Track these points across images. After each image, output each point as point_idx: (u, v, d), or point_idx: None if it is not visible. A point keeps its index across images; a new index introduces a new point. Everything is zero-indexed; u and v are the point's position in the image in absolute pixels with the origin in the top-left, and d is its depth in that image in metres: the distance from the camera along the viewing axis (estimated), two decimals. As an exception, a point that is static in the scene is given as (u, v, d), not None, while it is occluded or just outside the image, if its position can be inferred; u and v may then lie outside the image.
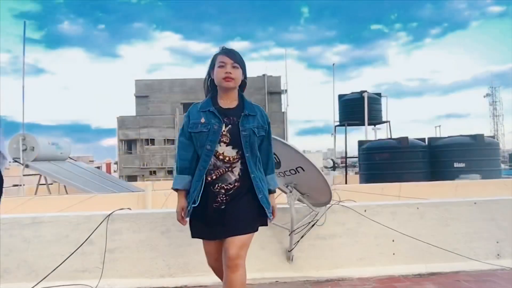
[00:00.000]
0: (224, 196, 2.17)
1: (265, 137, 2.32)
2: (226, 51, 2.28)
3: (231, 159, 2.18)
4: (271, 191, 2.33)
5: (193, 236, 2.28)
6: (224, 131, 2.18)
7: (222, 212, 2.16)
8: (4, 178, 1.99)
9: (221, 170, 2.17)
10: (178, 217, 2.27)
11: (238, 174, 2.19)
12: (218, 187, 2.17)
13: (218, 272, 2.37)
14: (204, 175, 2.17)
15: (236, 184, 2.18)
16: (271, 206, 2.27)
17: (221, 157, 2.17)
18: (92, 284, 3.14)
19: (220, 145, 2.17)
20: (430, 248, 3.44)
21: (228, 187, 2.17)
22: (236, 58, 2.25)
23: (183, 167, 2.25)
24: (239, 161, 2.19)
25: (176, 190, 2.27)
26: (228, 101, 2.27)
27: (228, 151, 2.18)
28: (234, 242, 2.13)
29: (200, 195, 2.16)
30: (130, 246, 3.29)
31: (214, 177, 2.18)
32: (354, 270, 3.37)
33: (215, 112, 2.21)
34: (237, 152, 2.18)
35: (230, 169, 2.18)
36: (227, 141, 2.18)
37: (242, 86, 2.34)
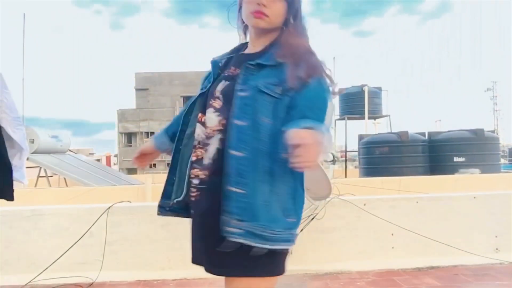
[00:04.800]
0: (194, 190, 1.35)
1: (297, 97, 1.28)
2: None
3: (210, 130, 1.34)
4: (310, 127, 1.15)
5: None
6: (217, 90, 1.37)
7: (194, 222, 1.39)
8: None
9: (204, 150, 1.35)
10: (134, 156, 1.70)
11: (213, 158, 1.31)
12: (194, 174, 1.35)
13: None
14: (178, 159, 1.44)
15: (205, 172, 1.32)
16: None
17: (208, 130, 1.35)
18: (92, 276, 3.15)
19: (209, 112, 1.36)
20: (429, 242, 3.45)
21: (202, 176, 1.33)
22: None
23: (168, 124, 1.65)
24: (217, 136, 1.32)
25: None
26: (258, 46, 1.41)
27: (210, 119, 1.35)
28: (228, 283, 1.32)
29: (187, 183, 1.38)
30: (130, 239, 3.30)
31: (193, 158, 1.36)
32: (353, 263, 3.38)
33: (214, 64, 1.45)
34: (219, 122, 1.32)
35: (205, 146, 1.34)
36: (217, 107, 1.34)
37: (289, 26, 1.38)
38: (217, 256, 1.27)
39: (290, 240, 1.28)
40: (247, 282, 1.27)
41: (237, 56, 1.44)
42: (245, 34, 1.49)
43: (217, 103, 1.35)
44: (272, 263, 1.28)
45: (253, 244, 1.20)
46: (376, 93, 17.40)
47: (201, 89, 1.44)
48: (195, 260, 1.43)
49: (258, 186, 1.22)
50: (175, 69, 34.75)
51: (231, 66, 1.40)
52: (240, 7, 1.44)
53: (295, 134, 1.09)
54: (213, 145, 1.31)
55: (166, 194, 1.45)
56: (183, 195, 1.38)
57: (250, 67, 1.32)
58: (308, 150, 1.06)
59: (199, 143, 1.35)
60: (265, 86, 1.27)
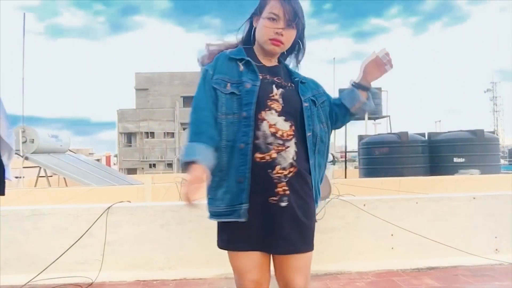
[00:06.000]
0: (285, 186, 1.50)
1: (330, 99, 1.75)
2: None
3: (284, 135, 1.51)
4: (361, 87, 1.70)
5: (222, 247, 1.57)
6: (275, 94, 1.55)
7: (281, 212, 1.49)
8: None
9: (274, 148, 1.50)
10: (189, 195, 1.36)
11: (293, 158, 1.51)
12: (280, 171, 1.49)
13: None
14: (251, 154, 1.48)
15: (291, 170, 1.51)
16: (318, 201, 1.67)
17: (272, 129, 1.50)
18: (92, 276, 3.15)
19: (271, 113, 1.52)
20: (429, 242, 3.45)
21: (283, 174, 1.51)
22: (297, 13, 1.56)
23: (200, 131, 1.48)
24: (293, 140, 1.53)
25: (186, 164, 1.41)
26: (271, 62, 1.67)
27: (280, 123, 1.52)
28: (300, 268, 1.54)
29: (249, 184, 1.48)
30: (129, 239, 3.30)
31: (274, 155, 1.49)
32: (353, 264, 3.38)
33: (251, 64, 1.57)
34: (290, 127, 1.53)
35: (283, 149, 1.51)
36: (278, 110, 1.53)
37: (292, 50, 1.70)
38: (308, 236, 1.55)
39: None
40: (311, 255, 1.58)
41: (265, 66, 1.62)
42: (245, 40, 1.70)
43: (277, 106, 1.53)
44: None
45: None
46: (375, 94, 17.38)
47: (224, 84, 1.54)
48: (254, 245, 1.52)
49: (316, 177, 1.62)
50: (175, 69, 34.73)
51: (272, 75, 1.60)
52: (251, 20, 1.66)
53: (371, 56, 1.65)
54: (292, 148, 1.52)
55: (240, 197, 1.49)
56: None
57: (302, 84, 1.65)
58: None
59: (268, 142, 1.50)
60: (314, 98, 1.65)
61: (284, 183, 1.49)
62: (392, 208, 3.53)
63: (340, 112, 1.73)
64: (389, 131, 15.91)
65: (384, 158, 11.27)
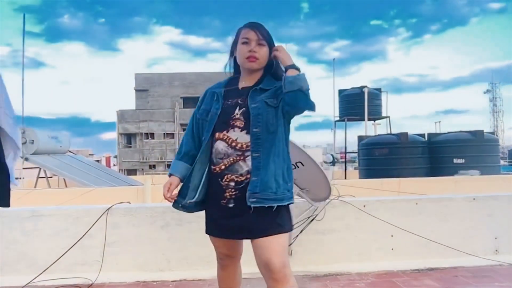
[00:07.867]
0: (233, 190, 1.84)
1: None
2: (252, 25, 1.95)
3: (244, 146, 1.84)
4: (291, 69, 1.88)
5: (206, 232, 2.03)
6: (237, 114, 1.88)
7: (231, 210, 1.86)
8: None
9: (231, 159, 1.84)
10: (164, 192, 1.94)
11: (252, 164, 1.84)
12: (227, 180, 1.85)
13: (225, 276, 2.13)
14: (207, 168, 1.90)
15: (248, 176, 1.83)
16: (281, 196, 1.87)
17: (233, 144, 1.85)
18: (91, 277, 3.15)
19: (233, 131, 1.86)
20: (429, 243, 3.45)
21: (239, 180, 1.84)
22: (263, 34, 1.92)
23: (181, 151, 2.03)
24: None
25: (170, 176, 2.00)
26: (251, 82, 1.97)
27: (242, 137, 1.85)
28: (273, 248, 1.83)
29: (201, 189, 1.91)
30: (129, 240, 3.30)
31: (223, 167, 1.85)
32: (353, 265, 3.38)
33: (219, 94, 1.96)
34: (250, 138, 1.86)
35: (242, 158, 1.84)
36: (241, 126, 1.86)
37: (269, 67, 1.99)
38: (262, 224, 1.82)
39: (291, 198, 1.92)
40: (284, 237, 1.88)
41: (237, 89, 1.96)
42: (234, 70, 2.05)
43: (240, 123, 1.86)
44: (289, 219, 1.94)
45: (265, 205, 1.81)
46: (375, 95, 17.42)
47: (206, 114, 1.95)
48: (220, 234, 1.96)
49: (277, 165, 1.85)
50: (174, 70, 34.74)
51: (239, 97, 1.92)
52: (232, 53, 2.01)
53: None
54: (249, 156, 1.83)
55: (182, 194, 1.94)
56: (201, 195, 1.92)
57: (256, 91, 1.91)
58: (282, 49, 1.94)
59: (224, 155, 1.85)
60: (268, 100, 1.88)
61: (233, 189, 1.84)
62: (392, 209, 3.53)
63: (284, 100, 1.87)
64: (389, 132, 15.90)
65: (384, 159, 11.28)
